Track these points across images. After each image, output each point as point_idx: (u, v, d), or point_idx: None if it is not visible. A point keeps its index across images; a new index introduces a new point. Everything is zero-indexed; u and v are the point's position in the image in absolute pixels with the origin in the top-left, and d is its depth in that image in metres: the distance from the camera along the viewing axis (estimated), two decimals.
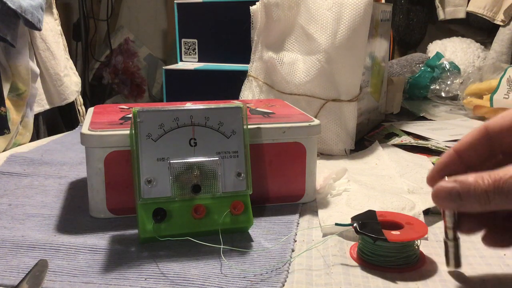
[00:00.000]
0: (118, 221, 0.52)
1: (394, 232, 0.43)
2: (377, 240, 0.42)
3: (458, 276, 0.42)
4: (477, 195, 0.35)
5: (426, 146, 0.78)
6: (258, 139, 0.55)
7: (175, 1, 1.24)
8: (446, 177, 0.38)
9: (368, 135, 0.87)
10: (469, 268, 0.43)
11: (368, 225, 0.44)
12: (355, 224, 0.44)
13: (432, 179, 0.41)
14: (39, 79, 1.07)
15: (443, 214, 0.41)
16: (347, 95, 0.75)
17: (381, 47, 0.89)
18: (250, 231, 0.50)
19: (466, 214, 0.40)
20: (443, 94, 1.14)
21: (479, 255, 0.45)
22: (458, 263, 0.42)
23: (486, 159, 0.40)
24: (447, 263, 0.42)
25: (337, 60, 0.73)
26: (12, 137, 0.93)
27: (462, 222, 0.40)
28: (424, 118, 1.02)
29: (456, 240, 0.41)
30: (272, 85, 0.80)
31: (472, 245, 0.47)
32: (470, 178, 0.36)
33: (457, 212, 0.40)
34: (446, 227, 0.41)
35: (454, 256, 0.41)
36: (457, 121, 0.97)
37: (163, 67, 1.21)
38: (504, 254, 0.46)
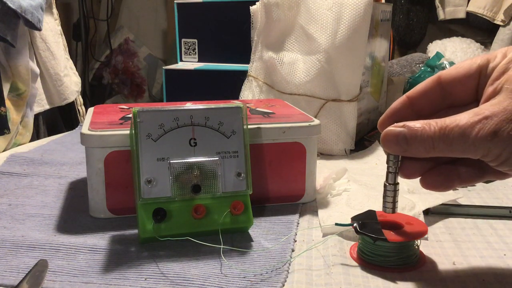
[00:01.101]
0: (118, 221, 0.52)
1: (394, 232, 0.43)
2: (377, 240, 0.42)
3: (458, 276, 0.42)
4: (423, 141, 0.37)
5: None
6: (258, 139, 0.55)
7: (175, 1, 1.24)
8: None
9: (368, 135, 0.87)
10: (469, 268, 0.43)
11: (368, 225, 0.44)
12: (355, 224, 0.44)
13: (383, 124, 0.42)
14: (39, 79, 1.07)
15: (387, 158, 0.42)
16: (347, 95, 0.75)
17: (381, 47, 0.89)
18: (250, 231, 0.50)
19: (408, 158, 0.41)
20: None
21: (479, 255, 0.45)
22: (394, 208, 0.43)
23: (437, 109, 0.42)
24: (384, 208, 0.43)
25: (337, 60, 0.73)
26: (12, 137, 0.93)
27: (404, 166, 0.41)
28: None
29: (395, 185, 0.42)
30: (272, 85, 0.80)
31: (472, 245, 0.47)
32: (418, 124, 0.37)
33: (401, 157, 0.41)
34: (388, 171, 0.42)
35: (392, 200, 0.42)
36: None
37: (163, 67, 1.21)
38: (504, 254, 0.46)
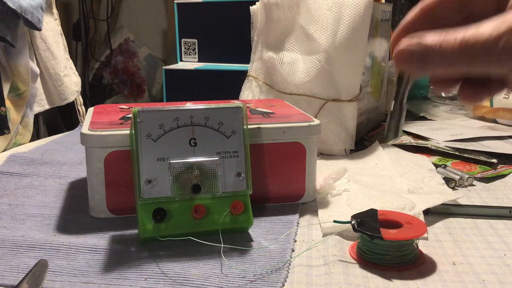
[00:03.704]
0: (118, 221, 0.52)
1: (392, 231, 0.43)
2: (374, 238, 0.43)
3: (458, 276, 0.42)
4: (442, 58, 0.32)
5: (426, 146, 0.78)
6: (258, 139, 0.55)
7: (175, 1, 1.24)
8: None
9: (368, 135, 0.87)
10: (469, 268, 0.43)
11: (367, 223, 0.44)
12: (353, 222, 0.44)
13: (397, 40, 0.37)
14: (39, 79, 1.07)
15: (398, 78, 0.39)
16: (347, 95, 0.75)
17: (381, 47, 0.89)
18: (250, 231, 0.50)
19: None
20: (443, 94, 1.14)
21: (479, 255, 0.45)
22: (396, 134, 0.41)
23: (454, 20, 0.36)
24: (386, 136, 0.41)
25: (337, 60, 0.73)
26: (12, 137, 0.93)
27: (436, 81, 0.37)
28: (424, 118, 1.02)
29: (401, 111, 0.40)
30: (272, 85, 0.80)
31: (472, 245, 0.47)
32: (435, 38, 0.32)
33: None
34: (397, 91, 0.40)
35: (394, 126, 0.41)
36: (457, 121, 0.97)
37: (163, 67, 1.21)
38: (504, 254, 0.46)
